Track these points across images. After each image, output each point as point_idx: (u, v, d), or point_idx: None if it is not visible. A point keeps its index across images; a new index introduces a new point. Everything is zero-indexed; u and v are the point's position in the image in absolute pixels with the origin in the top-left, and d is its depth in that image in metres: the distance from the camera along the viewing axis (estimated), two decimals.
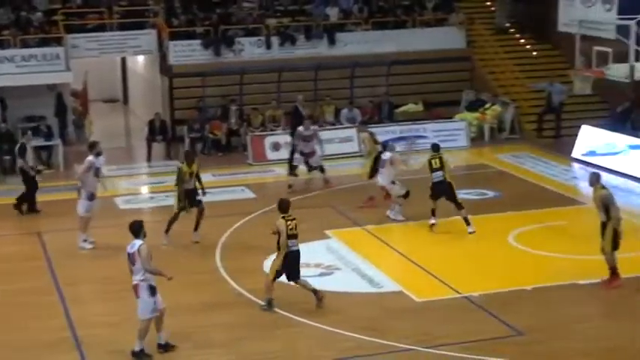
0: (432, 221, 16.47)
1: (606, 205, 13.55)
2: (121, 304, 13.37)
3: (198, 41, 25.34)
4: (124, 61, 30.84)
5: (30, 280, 14.69)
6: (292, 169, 20.60)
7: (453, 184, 16.45)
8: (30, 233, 17.27)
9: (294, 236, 12.89)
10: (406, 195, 17.31)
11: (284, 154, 21.94)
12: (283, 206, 13.08)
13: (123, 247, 13.56)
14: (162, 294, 13.54)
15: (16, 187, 19.21)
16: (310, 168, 20.17)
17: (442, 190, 16.40)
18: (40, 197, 18.82)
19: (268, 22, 26.15)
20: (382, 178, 17.41)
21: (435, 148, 16.85)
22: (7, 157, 21.73)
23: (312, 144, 19.98)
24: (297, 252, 13.01)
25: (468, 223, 16.38)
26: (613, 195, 13.77)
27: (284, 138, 22.73)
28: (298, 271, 13.12)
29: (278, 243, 12.90)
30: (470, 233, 16.31)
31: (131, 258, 11.60)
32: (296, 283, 13.13)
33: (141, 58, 28.43)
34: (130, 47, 25.91)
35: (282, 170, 21.04)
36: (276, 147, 22.74)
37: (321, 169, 20.06)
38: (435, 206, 16.49)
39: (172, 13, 26.11)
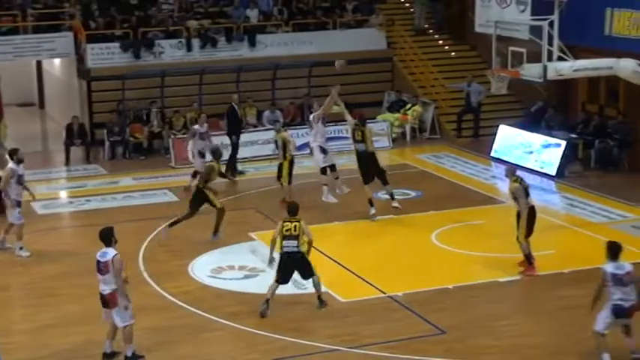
0: (372, 211, 16.86)
1: (515, 198, 14.06)
2: (40, 310, 13.12)
3: (116, 44, 25.00)
4: (39, 64, 30.21)
5: None
6: (234, 171, 20.84)
7: (376, 155, 17.16)
8: None
9: (290, 237, 12.83)
10: (324, 171, 18.19)
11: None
12: (291, 209, 13.12)
13: (43, 253, 13.32)
14: (83, 299, 13.34)
15: None
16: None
17: (367, 162, 17.03)
18: None
19: (188, 24, 25.96)
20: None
21: (361, 121, 17.70)
22: None
23: (208, 142, 19.97)
24: (290, 254, 12.85)
25: (392, 197, 17.06)
26: (525, 189, 14.13)
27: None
28: (288, 277, 13.02)
29: None
30: (393, 208, 16.84)
31: (101, 267, 11.23)
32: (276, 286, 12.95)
33: (57, 61, 27.88)
34: (45, 50, 25.39)
35: None
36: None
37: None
38: (370, 195, 16.84)
39: (89, 15, 25.69)
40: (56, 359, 11.73)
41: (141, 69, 24.71)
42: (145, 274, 14.64)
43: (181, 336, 12.27)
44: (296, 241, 12.85)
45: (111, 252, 11.25)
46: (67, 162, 23.08)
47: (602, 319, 11.07)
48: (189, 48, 25.46)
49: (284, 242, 12.88)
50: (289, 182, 18.55)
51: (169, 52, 25.33)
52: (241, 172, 21.70)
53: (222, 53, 25.79)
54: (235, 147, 21.53)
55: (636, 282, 11.10)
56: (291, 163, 18.55)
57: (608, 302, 11.09)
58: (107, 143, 23.60)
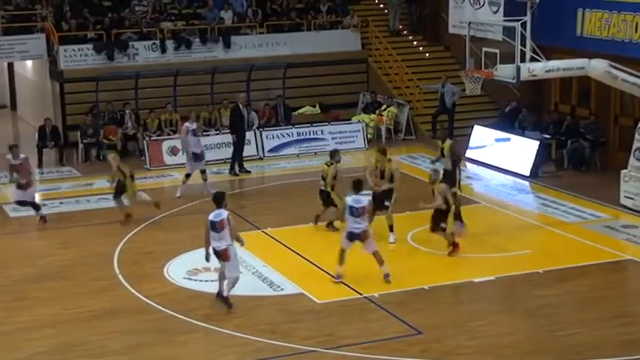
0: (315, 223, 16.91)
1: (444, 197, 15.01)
2: (13, 313, 13.00)
3: (90, 45, 24.85)
4: (11, 66, 29.94)
5: None
6: (241, 169, 21.15)
7: (332, 194, 16.61)
8: None
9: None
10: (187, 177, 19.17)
11: (181, 158, 21.73)
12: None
13: (15, 256, 13.21)
14: (57, 302, 13.27)
15: None
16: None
17: (324, 198, 16.80)
18: None
19: (163, 25, 25.86)
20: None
21: (330, 154, 17.22)
22: None
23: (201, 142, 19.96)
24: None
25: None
26: (448, 189, 15.18)
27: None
28: None
29: None
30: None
31: (217, 225, 12.72)
32: None
33: (29, 63, 27.66)
34: (17, 52, 25.17)
35: (179, 175, 20.78)
36: (173, 151, 22.49)
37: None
38: (320, 212, 16.81)
39: (62, 17, 25.51)
40: None
41: (115, 70, 24.58)
42: (120, 277, 14.54)
43: (156, 338, 12.20)
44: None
45: (224, 212, 12.83)
46: (40, 164, 22.89)
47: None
48: (163, 49, 25.37)
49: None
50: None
51: (143, 53, 25.21)
52: (247, 171, 21.57)
53: (196, 55, 25.72)
54: (240, 145, 21.45)
55: (369, 214, 14.28)
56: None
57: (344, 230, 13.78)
58: (81, 145, 23.44)
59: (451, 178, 16.30)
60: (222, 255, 12.87)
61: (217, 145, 22.79)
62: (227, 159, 22.35)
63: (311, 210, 17.23)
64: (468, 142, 23.04)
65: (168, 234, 16.26)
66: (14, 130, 28.90)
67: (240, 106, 21.73)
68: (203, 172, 19.37)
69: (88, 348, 11.85)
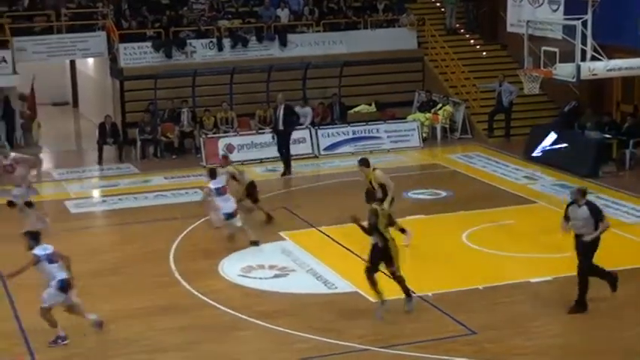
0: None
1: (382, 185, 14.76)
2: None
3: (148, 43, 25.16)
4: (73, 63, 30.48)
5: None
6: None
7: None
8: None
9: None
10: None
11: (237, 155, 21.91)
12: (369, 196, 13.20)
13: (75, 252, 13.45)
14: (115, 298, 13.49)
15: None
16: None
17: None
18: None
19: (220, 23, 26.06)
20: None
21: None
22: None
23: None
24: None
25: None
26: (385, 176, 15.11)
27: (238, 140, 22.82)
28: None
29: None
30: None
31: (220, 190, 15.60)
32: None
33: (91, 61, 28.13)
34: (79, 50, 25.61)
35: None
36: (229, 149, 22.68)
37: None
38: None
39: (122, 15, 25.88)
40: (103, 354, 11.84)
41: (172, 68, 24.84)
42: (176, 274, 14.71)
43: (212, 335, 12.32)
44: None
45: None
46: (100, 161, 23.25)
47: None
48: (220, 48, 25.56)
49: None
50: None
51: (201, 51, 25.45)
52: (286, 172, 21.48)
53: (253, 53, 25.87)
54: (278, 145, 21.56)
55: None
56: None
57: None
58: (139, 142, 23.76)
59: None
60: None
61: (264, 143, 22.95)
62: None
63: (366, 208, 17.20)
64: (529, 142, 22.78)
65: (222, 231, 16.38)
66: (75, 127, 29.43)
67: (283, 106, 21.44)
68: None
69: (146, 344, 12.01)
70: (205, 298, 13.55)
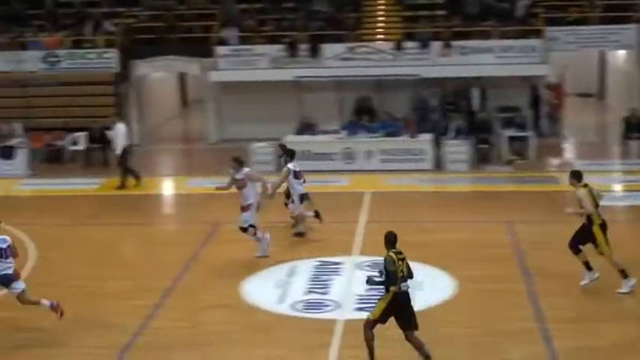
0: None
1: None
2: None
3: None
4: (602, 55, 30.03)
5: (498, 268, 14.77)
6: None
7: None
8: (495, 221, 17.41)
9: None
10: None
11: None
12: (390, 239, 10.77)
13: None
14: None
15: None
16: None
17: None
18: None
19: None
20: None
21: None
22: (485, 146, 22.67)
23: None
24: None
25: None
26: None
27: None
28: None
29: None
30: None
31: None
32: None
33: (621, 53, 27.44)
34: (610, 42, 25.27)
35: None
36: None
37: None
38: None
39: None
40: None
41: None
42: None
43: None
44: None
45: None
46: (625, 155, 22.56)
47: None
48: None
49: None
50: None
51: None
52: None
53: None
54: None
55: None
56: None
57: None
58: None
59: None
60: None
61: None
62: None
63: None
64: None
65: None
66: (599, 119, 28.96)
67: None
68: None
69: None
70: None
